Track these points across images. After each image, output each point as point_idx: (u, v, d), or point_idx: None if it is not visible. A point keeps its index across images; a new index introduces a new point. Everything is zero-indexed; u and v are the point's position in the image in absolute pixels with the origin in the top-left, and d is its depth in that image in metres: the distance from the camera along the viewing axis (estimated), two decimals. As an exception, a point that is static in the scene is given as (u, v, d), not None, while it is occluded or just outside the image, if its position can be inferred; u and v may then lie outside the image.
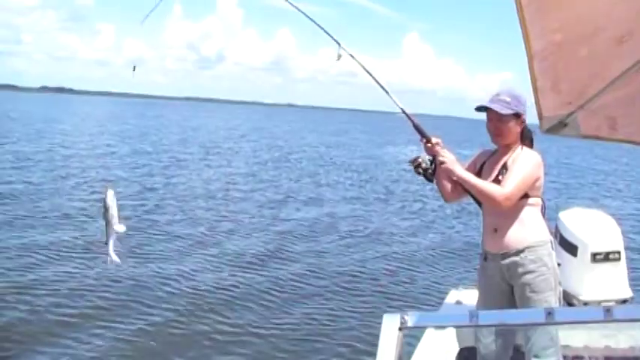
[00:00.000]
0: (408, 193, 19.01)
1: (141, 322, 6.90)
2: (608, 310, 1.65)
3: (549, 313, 1.67)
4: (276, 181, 20.36)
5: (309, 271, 9.45)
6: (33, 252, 9.35)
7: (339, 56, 3.69)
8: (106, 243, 2.96)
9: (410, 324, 1.76)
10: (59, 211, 12.61)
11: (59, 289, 7.71)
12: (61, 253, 9.45)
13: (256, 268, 9.51)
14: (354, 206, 16.42)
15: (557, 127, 2.11)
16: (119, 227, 2.93)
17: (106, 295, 7.63)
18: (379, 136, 54.35)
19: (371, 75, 3.74)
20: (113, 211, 2.90)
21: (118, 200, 2.94)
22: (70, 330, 6.56)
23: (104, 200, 2.91)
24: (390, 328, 1.75)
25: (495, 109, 3.46)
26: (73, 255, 9.35)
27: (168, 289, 8.08)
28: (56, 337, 6.36)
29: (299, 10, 3.89)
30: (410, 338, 3.75)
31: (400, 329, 1.75)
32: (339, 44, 3.70)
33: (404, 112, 3.65)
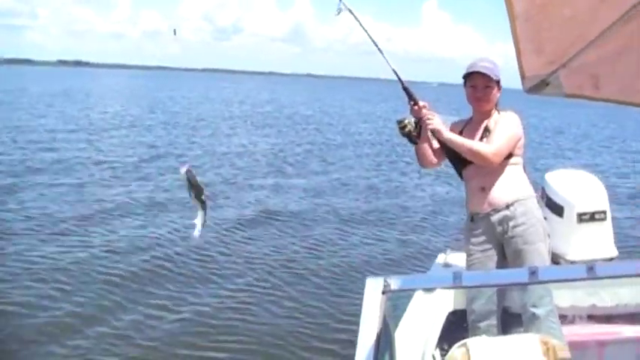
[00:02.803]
0: (393, 158, 19.11)
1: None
2: (591, 267, 1.66)
3: (533, 272, 1.68)
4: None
5: (291, 240, 9.49)
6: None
7: (340, 10, 3.77)
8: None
9: (393, 287, 1.77)
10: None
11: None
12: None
13: (243, 232, 9.61)
14: (337, 172, 16.49)
15: (540, 86, 2.10)
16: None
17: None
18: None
19: (367, 32, 3.79)
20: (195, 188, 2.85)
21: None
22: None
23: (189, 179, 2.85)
24: (373, 291, 1.76)
25: (489, 73, 3.55)
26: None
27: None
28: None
29: None
30: (398, 303, 3.79)
31: (384, 292, 1.76)
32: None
33: (395, 73, 3.76)
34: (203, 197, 2.86)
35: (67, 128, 24.27)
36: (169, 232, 9.47)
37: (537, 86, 2.11)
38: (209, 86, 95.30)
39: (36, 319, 6.27)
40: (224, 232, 9.72)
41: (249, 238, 9.62)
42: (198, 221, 2.90)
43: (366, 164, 18.52)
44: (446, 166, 4.02)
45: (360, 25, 3.79)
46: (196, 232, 2.90)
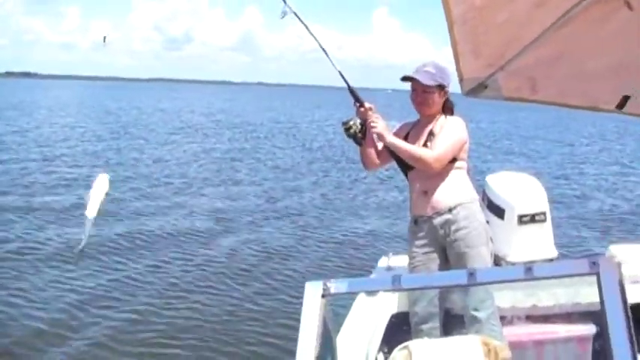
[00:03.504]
0: (342, 164, 19.25)
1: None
2: (528, 268, 1.68)
3: (471, 274, 1.69)
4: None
5: (239, 245, 9.47)
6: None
7: (284, 14, 3.75)
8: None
9: (333, 291, 1.76)
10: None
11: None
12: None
13: (196, 238, 9.60)
14: (286, 177, 16.57)
15: (478, 88, 2.12)
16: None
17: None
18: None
19: (312, 35, 3.77)
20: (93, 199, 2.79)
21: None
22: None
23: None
24: (312, 295, 1.74)
25: (420, 79, 3.56)
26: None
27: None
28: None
29: None
30: (340, 307, 3.78)
31: (323, 296, 1.74)
32: (284, 1, 3.71)
33: (341, 74, 3.76)
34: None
35: (16, 140, 23.83)
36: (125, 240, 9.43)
37: (475, 89, 2.13)
38: (160, 96, 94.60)
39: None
40: (178, 239, 9.80)
41: (201, 243, 9.66)
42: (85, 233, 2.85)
43: (314, 169, 18.68)
44: (392, 170, 4.03)
45: (306, 27, 3.77)
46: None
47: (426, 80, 3.58)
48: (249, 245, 9.62)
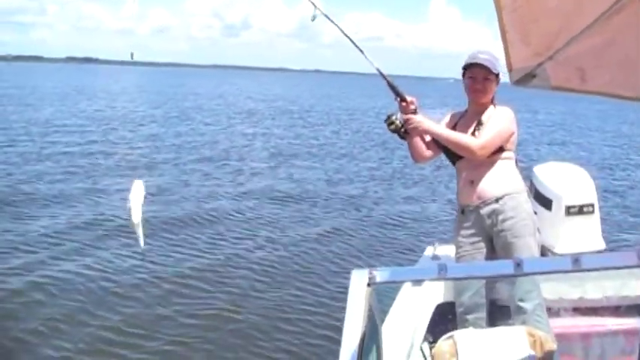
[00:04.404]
0: (381, 152, 19.25)
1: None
2: (576, 259, 1.66)
3: (518, 264, 1.68)
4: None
5: (284, 234, 9.57)
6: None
7: (314, 17, 3.75)
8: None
9: (378, 279, 1.77)
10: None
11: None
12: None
13: (232, 233, 9.63)
14: (338, 162, 16.66)
15: (526, 78, 2.10)
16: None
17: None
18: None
19: (346, 35, 3.81)
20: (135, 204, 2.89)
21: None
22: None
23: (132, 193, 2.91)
24: (358, 283, 1.76)
25: (489, 65, 3.55)
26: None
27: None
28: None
29: None
30: (386, 296, 3.80)
31: (369, 285, 1.75)
32: (315, 5, 3.73)
33: (379, 71, 3.76)
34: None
35: (79, 123, 24.86)
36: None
37: (524, 78, 2.11)
38: (218, 83, 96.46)
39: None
40: (233, 218, 10.35)
41: (254, 225, 10.10)
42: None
43: (369, 156, 19.02)
44: (445, 159, 4.02)
45: (339, 28, 3.80)
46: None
47: (491, 66, 3.57)
48: (301, 227, 9.98)
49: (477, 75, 3.64)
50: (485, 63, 3.56)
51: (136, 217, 2.86)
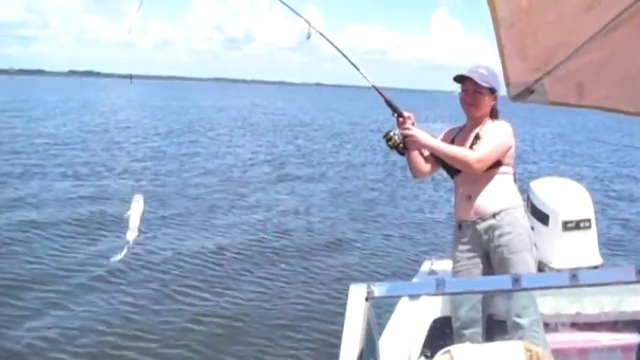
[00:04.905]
0: (380, 166, 19.32)
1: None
2: (573, 275, 1.66)
3: (516, 279, 1.68)
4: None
5: (282, 244, 9.58)
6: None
7: (309, 35, 3.76)
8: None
9: (377, 294, 1.76)
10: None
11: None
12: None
13: (227, 239, 9.66)
14: (328, 178, 16.70)
15: (524, 93, 2.10)
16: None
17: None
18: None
19: (340, 52, 3.83)
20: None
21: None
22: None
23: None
24: (356, 298, 1.75)
25: (475, 78, 3.53)
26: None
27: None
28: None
29: None
30: (383, 310, 3.78)
31: (367, 299, 1.75)
32: (309, 23, 3.75)
33: (375, 87, 3.76)
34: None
35: (82, 136, 25.09)
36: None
37: (522, 94, 2.11)
38: (220, 96, 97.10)
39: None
40: (233, 227, 10.48)
41: (247, 235, 10.14)
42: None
43: (367, 170, 18.95)
44: (444, 174, 4.02)
45: (334, 46, 3.81)
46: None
47: (479, 80, 3.56)
48: (300, 239, 9.99)
49: (468, 88, 3.65)
50: (473, 76, 3.56)
51: (132, 232, 2.87)
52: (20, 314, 6.50)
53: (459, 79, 3.64)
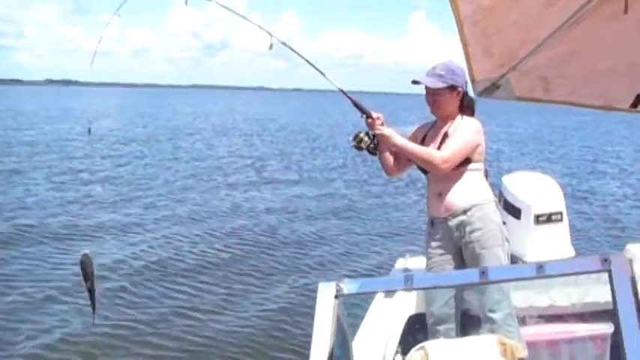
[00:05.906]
0: (352, 167, 19.40)
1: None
2: (540, 266, 1.68)
3: (483, 272, 1.69)
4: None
5: (254, 245, 9.59)
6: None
7: (271, 45, 3.75)
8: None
9: (346, 291, 1.77)
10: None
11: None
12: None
13: (201, 241, 9.68)
14: (302, 180, 16.77)
15: (490, 89, 2.12)
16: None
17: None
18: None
19: (304, 59, 3.82)
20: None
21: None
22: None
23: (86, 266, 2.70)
24: (325, 296, 1.76)
25: (426, 83, 3.56)
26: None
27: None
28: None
29: (226, 8, 3.93)
30: (358, 308, 3.79)
31: (336, 297, 1.75)
32: (270, 35, 3.76)
33: (342, 90, 3.75)
34: (89, 285, 2.75)
35: (63, 144, 24.58)
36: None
37: (488, 89, 2.13)
38: (198, 102, 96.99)
39: None
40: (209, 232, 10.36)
41: (226, 237, 10.11)
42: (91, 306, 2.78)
43: (341, 171, 19.02)
44: (417, 172, 4.02)
45: (297, 53, 3.80)
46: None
47: (433, 84, 3.56)
48: (271, 239, 9.98)
49: (427, 90, 3.66)
50: (425, 82, 3.57)
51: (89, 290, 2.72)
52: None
53: (415, 83, 3.65)
